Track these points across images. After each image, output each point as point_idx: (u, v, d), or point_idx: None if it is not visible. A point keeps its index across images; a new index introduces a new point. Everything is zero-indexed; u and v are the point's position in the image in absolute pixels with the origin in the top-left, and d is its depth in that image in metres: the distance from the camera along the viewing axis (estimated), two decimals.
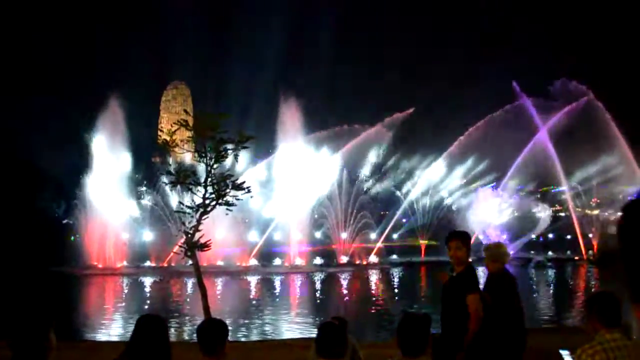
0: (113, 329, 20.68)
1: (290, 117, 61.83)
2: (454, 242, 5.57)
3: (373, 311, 26.13)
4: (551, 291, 36.00)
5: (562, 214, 69.14)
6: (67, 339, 15.64)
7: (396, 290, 39.41)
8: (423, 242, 66.81)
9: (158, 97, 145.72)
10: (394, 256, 63.25)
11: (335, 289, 40.45)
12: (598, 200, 66.59)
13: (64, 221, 69.98)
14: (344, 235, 62.58)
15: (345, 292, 39.06)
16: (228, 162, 14.36)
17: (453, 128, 70.02)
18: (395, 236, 67.99)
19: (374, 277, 49.30)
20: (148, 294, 38.22)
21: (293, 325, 21.26)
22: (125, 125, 59.52)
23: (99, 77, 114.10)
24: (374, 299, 33.35)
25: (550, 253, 62.98)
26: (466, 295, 5.27)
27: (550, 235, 68.32)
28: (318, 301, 32.52)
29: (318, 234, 63.22)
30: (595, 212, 65.87)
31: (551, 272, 47.92)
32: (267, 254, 60.35)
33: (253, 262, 58.24)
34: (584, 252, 59.32)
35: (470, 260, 5.64)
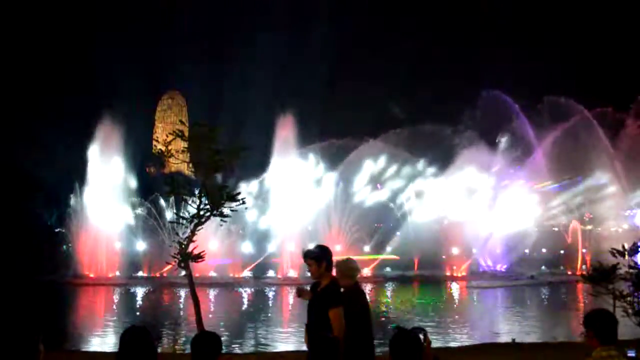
0: (103, 339, 20.51)
1: (286, 130, 62.18)
2: (307, 261, 5.62)
3: None
4: (544, 307, 36.01)
5: (556, 229, 69.17)
6: (57, 349, 15.50)
7: (390, 304, 39.28)
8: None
9: (154, 107, 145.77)
10: (388, 269, 63.11)
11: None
12: (591, 216, 66.76)
13: (56, 230, 69.55)
14: (338, 247, 62.43)
15: None
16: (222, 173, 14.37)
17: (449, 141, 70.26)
18: (388, 249, 67.86)
19: (367, 290, 49.11)
20: (140, 305, 37.96)
21: (286, 338, 21.13)
22: (119, 134, 59.54)
23: (94, 87, 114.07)
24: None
25: (543, 268, 63.03)
26: (329, 309, 5.25)
27: (544, 250, 68.35)
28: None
29: (311, 246, 62.95)
30: (589, 227, 66.04)
31: (545, 288, 47.92)
32: (260, 266, 60.21)
33: (246, 273, 58.06)
34: (578, 267, 59.40)
35: (333, 274, 5.60)
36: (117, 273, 55.79)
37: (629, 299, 16.21)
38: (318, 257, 5.62)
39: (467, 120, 67.62)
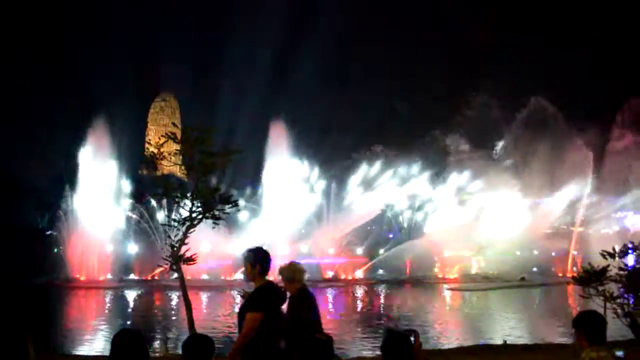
0: (94, 342, 20.41)
1: (279, 133, 62.41)
2: (243, 261, 5.64)
3: (358, 328, 26.03)
4: (535, 309, 36.17)
5: (547, 231, 69.37)
6: (47, 353, 15.41)
7: (382, 307, 39.32)
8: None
9: (147, 109, 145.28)
10: (380, 271, 63.17)
11: (320, 305, 40.26)
12: (583, 218, 67.03)
13: (48, 232, 69.17)
14: (331, 250, 62.52)
15: (330, 308, 38.92)
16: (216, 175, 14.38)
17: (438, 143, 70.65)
18: (381, 251, 67.94)
19: (359, 293, 49.19)
20: (131, 308, 37.80)
21: None
22: (112, 136, 59.37)
23: (86, 88, 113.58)
24: (359, 314, 33.27)
25: (535, 270, 63.28)
26: (247, 311, 5.28)
27: (535, 252, 68.57)
28: None
29: (304, 248, 63.05)
30: (580, 229, 66.32)
31: (536, 291, 48.10)
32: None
33: (238, 276, 57.92)
34: (569, 269, 59.67)
35: (265, 277, 5.57)
36: (109, 276, 55.52)
37: (619, 300, 16.36)
38: (252, 259, 5.59)
39: (460, 124, 68.12)
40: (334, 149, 74.28)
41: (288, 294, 6.14)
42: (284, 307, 5.98)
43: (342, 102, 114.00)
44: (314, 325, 5.87)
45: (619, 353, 4.17)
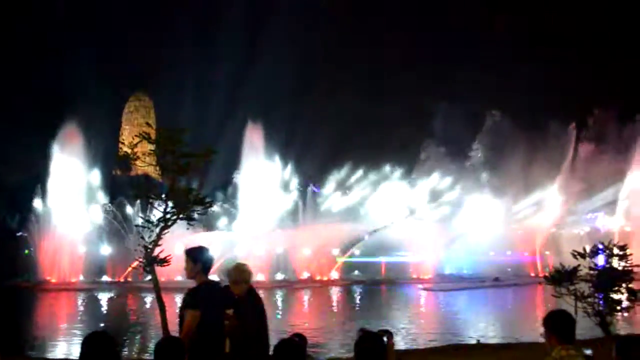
0: (65, 346, 20.07)
1: (255, 135, 62.40)
2: (185, 258, 5.60)
3: (333, 328, 26.07)
4: (508, 308, 36.62)
5: (520, 232, 70.35)
6: (16, 357, 15.11)
7: (357, 307, 39.45)
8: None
9: (122, 109, 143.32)
10: (356, 272, 63.38)
11: (296, 305, 40.28)
12: (555, 219, 68.05)
13: (18, 234, 67.85)
14: (306, 250, 62.50)
15: (305, 308, 38.94)
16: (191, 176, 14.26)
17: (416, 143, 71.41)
18: (357, 252, 68.19)
19: (335, 293, 49.27)
20: (104, 310, 37.29)
21: None
22: (85, 136, 58.59)
23: (59, 87, 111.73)
24: (334, 315, 33.30)
25: (508, 269, 64.15)
26: (184, 310, 5.25)
27: (508, 253, 69.52)
28: (278, 318, 32.29)
29: (280, 250, 62.98)
30: (552, 230, 67.40)
31: (509, 290, 48.72)
32: (227, 270, 59.80)
33: (214, 277, 57.60)
34: (540, 269, 60.57)
35: (206, 276, 5.54)
36: (81, 278, 54.70)
37: (589, 299, 16.65)
38: (194, 256, 5.57)
39: (435, 128, 69.02)
40: (310, 151, 74.35)
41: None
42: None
43: (316, 105, 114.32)
44: (259, 327, 5.86)
45: (588, 352, 4.24)
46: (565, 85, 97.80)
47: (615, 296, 16.74)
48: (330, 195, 72.14)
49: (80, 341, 3.78)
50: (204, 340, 5.08)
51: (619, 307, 16.61)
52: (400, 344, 17.54)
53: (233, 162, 64.21)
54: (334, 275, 61.34)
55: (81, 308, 38.10)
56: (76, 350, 17.43)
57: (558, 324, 3.92)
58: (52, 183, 57.22)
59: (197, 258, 5.56)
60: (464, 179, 69.09)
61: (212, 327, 5.20)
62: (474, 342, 17.92)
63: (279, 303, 42.73)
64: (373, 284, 55.28)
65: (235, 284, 5.98)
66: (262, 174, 60.94)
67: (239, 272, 6.10)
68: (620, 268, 17.08)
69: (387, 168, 71.95)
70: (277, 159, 65.73)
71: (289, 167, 69.30)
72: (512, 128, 65.64)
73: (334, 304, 42.71)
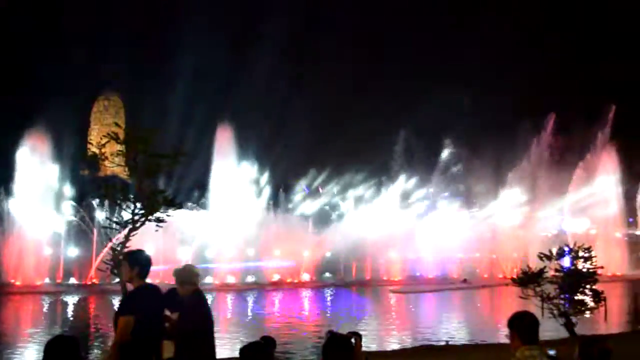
0: (29, 351, 19.65)
1: (226, 137, 62.17)
2: (121, 261, 5.65)
3: (303, 330, 26.07)
4: (477, 310, 37.11)
5: (489, 235, 71.30)
6: None
7: (327, 310, 39.50)
8: None
9: (91, 109, 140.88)
10: (327, 274, 63.42)
11: (266, 308, 40.17)
12: (522, 221, 69.13)
13: None
14: (277, 252, 62.33)
15: (276, 310, 38.84)
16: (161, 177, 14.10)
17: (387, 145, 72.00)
18: (328, 254, 68.30)
19: (305, 296, 49.24)
20: (70, 314, 36.60)
21: (221, 344, 20.87)
22: (52, 136, 57.51)
23: (26, 86, 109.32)
24: (304, 318, 33.30)
25: (477, 272, 65.03)
26: (119, 315, 5.23)
27: (477, 255, 70.44)
28: (248, 320, 32.16)
29: (251, 251, 62.67)
30: (520, 232, 68.46)
31: (477, 292, 49.37)
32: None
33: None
34: (508, 271, 61.51)
35: (143, 280, 5.49)
36: (47, 280, 53.54)
37: (555, 300, 17.02)
38: (130, 260, 5.52)
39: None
40: (282, 154, 74.27)
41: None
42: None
43: (290, 107, 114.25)
44: (205, 328, 5.83)
45: (552, 352, 4.32)
46: (532, 88, 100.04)
47: (580, 297, 17.14)
48: (299, 195, 72.03)
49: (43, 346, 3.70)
50: (139, 345, 4.99)
51: (583, 308, 17.02)
52: (369, 346, 17.62)
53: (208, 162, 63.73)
54: (305, 277, 61.28)
55: (46, 311, 37.31)
56: (40, 355, 17.08)
57: (521, 324, 3.99)
58: (17, 184, 55.96)
59: (133, 262, 5.44)
60: (434, 182, 69.90)
61: (147, 332, 5.08)
62: (443, 343, 18.10)
63: (249, 305, 42.55)
64: (343, 286, 55.40)
65: (182, 285, 5.92)
66: (232, 176, 60.61)
67: (188, 274, 6.04)
68: (585, 270, 17.50)
69: (357, 171, 72.23)
70: (248, 161, 65.44)
71: (257, 167, 68.77)
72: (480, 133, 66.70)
73: (304, 306, 42.67)
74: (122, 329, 5.02)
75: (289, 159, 73.78)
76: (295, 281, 59.33)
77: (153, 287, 5.66)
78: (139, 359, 4.89)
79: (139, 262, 5.48)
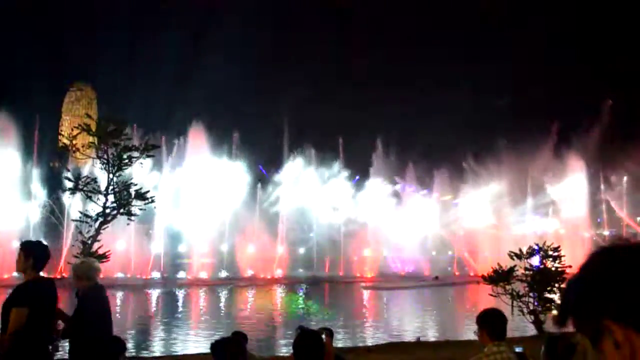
0: None
1: (199, 128, 61.87)
2: (18, 251, 5.43)
3: (275, 326, 26.08)
4: (448, 307, 37.52)
5: (461, 233, 72.22)
6: None
7: (299, 305, 39.56)
8: None
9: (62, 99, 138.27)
10: (300, 270, 63.51)
11: (238, 303, 40.08)
12: (495, 220, 70.19)
13: None
14: (251, 247, 62.19)
15: (248, 306, 38.77)
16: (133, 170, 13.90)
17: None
18: (302, 250, 68.38)
19: (278, 291, 49.24)
20: None
21: (192, 340, 20.77)
22: (21, 127, 56.56)
23: None
24: (276, 313, 33.31)
25: (449, 269, 65.84)
26: (12, 307, 5.11)
27: (449, 253, 71.26)
28: (220, 315, 32.03)
29: (225, 247, 62.40)
30: (492, 231, 69.38)
31: (448, 289, 49.90)
32: (171, 266, 59.06)
33: (156, 274, 56.59)
34: (479, 269, 62.33)
35: (37, 272, 5.35)
36: (14, 274, 52.48)
37: (524, 298, 17.32)
38: (26, 250, 5.37)
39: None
40: (260, 147, 73.66)
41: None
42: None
43: (264, 99, 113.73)
44: (100, 326, 5.75)
45: (519, 349, 4.42)
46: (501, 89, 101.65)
47: (549, 295, 17.47)
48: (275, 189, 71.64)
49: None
50: (29, 339, 4.91)
51: (552, 306, 17.34)
52: (341, 341, 17.69)
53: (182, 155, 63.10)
54: (278, 273, 61.26)
55: None
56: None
57: (489, 321, 4.09)
58: None
59: (29, 253, 5.29)
60: (409, 180, 70.41)
61: (38, 326, 5.00)
62: (414, 339, 18.27)
63: (222, 301, 42.38)
64: (316, 282, 55.52)
65: (78, 280, 5.83)
66: (206, 169, 60.18)
67: (87, 268, 5.94)
68: (553, 269, 17.84)
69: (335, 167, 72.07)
70: (223, 155, 64.90)
71: (229, 160, 68.25)
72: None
73: (277, 301, 42.66)
74: (15, 320, 4.90)
75: (264, 152, 73.26)
76: (269, 277, 59.27)
77: (48, 280, 5.56)
78: (31, 350, 4.83)
79: (35, 253, 5.32)
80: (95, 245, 12.81)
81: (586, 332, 1.07)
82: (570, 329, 1.16)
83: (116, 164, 12.74)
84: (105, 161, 12.78)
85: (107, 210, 12.45)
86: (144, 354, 17.42)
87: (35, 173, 61.92)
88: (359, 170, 71.93)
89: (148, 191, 13.05)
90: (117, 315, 27.42)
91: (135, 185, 12.95)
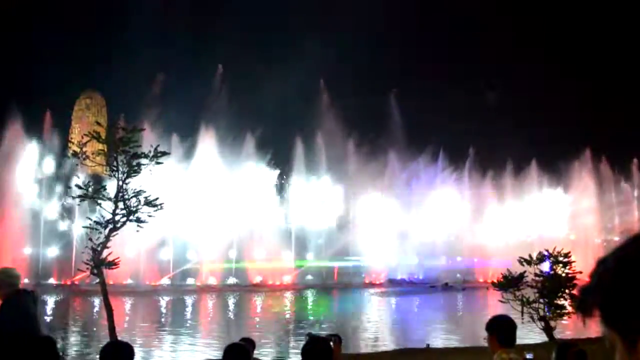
0: None
1: (208, 135, 61.92)
2: None
3: (282, 332, 26.04)
4: (457, 313, 37.33)
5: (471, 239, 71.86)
6: None
7: (309, 312, 39.48)
8: None
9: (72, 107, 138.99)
10: (309, 277, 63.38)
11: (247, 310, 40.04)
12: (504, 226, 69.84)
13: None
14: (259, 254, 62.06)
15: (257, 313, 38.72)
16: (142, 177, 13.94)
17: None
18: (310, 256, 68.25)
19: (287, 298, 49.16)
20: (49, 314, 36.11)
21: (202, 347, 20.76)
22: (33, 134, 57.08)
23: (6, 84, 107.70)
24: (285, 320, 33.23)
25: (458, 276, 65.41)
26: None
27: (459, 259, 70.87)
28: (229, 322, 32.01)
29: (232, 253, 62.34)
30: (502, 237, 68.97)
31: (460, 295, 49.65)
32: (180, 273, 59.14)
33: (165, 281, 56.67)
34: (490, 275, 61.93)
35: None
36: (25, 280, 52.74)
37: (534, 305, 17.19)
38: None
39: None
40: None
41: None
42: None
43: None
44: (21, 332, 5.73)
45: (529, 355, 4.38)
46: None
47: (559, 302, 17.33)
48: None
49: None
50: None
51: (562, 313, 17.20)
52: (349, 348, 17.64)
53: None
54: (287, 279, 61.15)
55: None
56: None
57: (499, 328, 4.05)
58: None
59: None
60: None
61: None
62: (423, 346, 18.17)
63: (230, 307, 42.36)
64: (325, 289, 55.39)
65: (2, 287, 5.83)
66: (215, 176, 60.17)
67: (6, 277, 5.96)
68: (564, 275, 17.71)
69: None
70: (236, 162, 64.80)
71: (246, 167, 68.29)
72: None
73: (286, 308, 42.59)
74: None
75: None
76: (277, 283, 59.18)
77: None
78: None
79: None
80: (105, 252, 12.87)
81: (619, 329, 0.87)
82: (580, 336, 1.12)
83: (125, 171, 12.80)
84: (115, 168, 12.85)
85: (117, 217, 12.51)
86: None
87: (46, 180, 62.30)
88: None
89: (157, 198, 13.10)
90: (125, 324, 27.52)
91: (145, 192, 13.01)
